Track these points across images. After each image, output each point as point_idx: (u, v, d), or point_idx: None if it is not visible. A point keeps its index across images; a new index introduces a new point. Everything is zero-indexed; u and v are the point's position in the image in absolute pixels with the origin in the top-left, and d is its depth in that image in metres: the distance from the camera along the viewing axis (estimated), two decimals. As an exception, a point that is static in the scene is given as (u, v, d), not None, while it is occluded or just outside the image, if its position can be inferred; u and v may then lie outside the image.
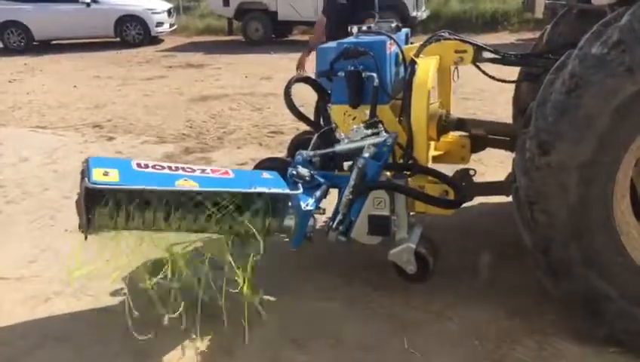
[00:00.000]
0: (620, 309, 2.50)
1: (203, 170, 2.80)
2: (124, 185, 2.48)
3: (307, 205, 2.87)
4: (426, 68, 3.13)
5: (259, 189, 2.70)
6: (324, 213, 3.08)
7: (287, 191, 2.80)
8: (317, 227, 3.02)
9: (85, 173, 2.49)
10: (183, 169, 2.75)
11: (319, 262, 3.48)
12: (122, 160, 2.73)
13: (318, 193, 2.98)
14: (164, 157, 5.95)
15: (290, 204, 2.80)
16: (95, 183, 2.42)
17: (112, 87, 10.17)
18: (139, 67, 12.55)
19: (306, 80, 3.56)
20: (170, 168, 2.73)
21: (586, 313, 2.60)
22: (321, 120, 3.58)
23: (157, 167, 2.72)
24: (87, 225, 2.53)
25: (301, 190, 2.86)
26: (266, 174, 2.95)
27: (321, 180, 3.05)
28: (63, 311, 3.16)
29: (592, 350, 2.64)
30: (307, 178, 2.98)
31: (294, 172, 2.97)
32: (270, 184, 2.79)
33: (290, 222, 2.84)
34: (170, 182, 2.59)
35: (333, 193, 3.12)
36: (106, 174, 2.48)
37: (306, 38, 16.71)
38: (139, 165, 2.68)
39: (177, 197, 2.60)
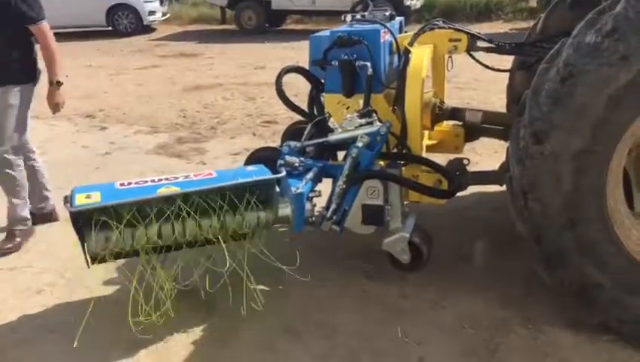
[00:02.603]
0: (613, 298, 2.51)
1: (186, 176, 2.83)
2: (105, 203, 2.54)
3: (298, 188, 2.86)
4: (420, 57, 3.12)
5: (238, 181, 2.71)
6: (320, 195, 3.07)
7: (267, 176, 2.80)
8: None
9: (69, 199, 2.57)
10: (166, 179, 2.78)
11: (313, 252, 3.47)
12: (106, 183, 2.82)
13: (308, 175, 2.97)
14: (157, 147, 5.92)
15: (278, 190, 2.80)
16: (77, 206, 2.50)
17: (105, 77, 10.10)
18: (131, 56, 12.47)
19: (298, 70, 3.54)
20: (153, 181, 2.77)
21: (580, 301, 2.61)
22: (315, 109, 3.56)
23: (140, 182, 2.76)
24: (85, 254, 2.60)
25: (284, 173, 2.85)
26: (250, 168, 2.95)
27: (312, 164, 3.04)
28: (56, 302, 3.14)
29: (586, 338, 2.66)
30: (297, 165, 2.97)
31: (282, 162, 2.96)
32: (253, 175, 2.79)
33: (285, 210, 2.84)
34: (152, 192, 2.64)
35: (328, 184, 3.11)
36: (88, 197, 2.57)
37: (299, 27, 16.67)
38: (122, 184, 2.74)
39: (163, 205, 2.62)
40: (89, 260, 2.63)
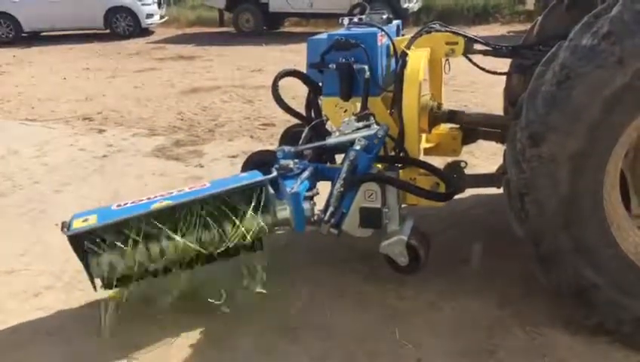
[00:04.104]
0: (609, 299, 2.52)
1: (180, 190, 2.86)
2: (101, 223, 2.58)
3: (293, 188, 2.86)
4: (417, 60, 3.13)
5: (228, 188, 2.72)
6: (318, 194, 3.07)
7: (257, 178, 2.80)
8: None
9: (66, 224, 2.63)
10: (161, 195, 2.82)
11: (310, 254, 3.48)
12: (103, 207, 2.86)
13: (303, 175, 2.97)
14: (155, 150, 5.92)
15: (273, 193, 2.81)
16: (74, 230, 2.55)
17: (102, 79, 10.10)
18: (129, 59, 12.47)
19: (294, 74, 3.54)
20: (148, 198, 2.81)
21: (577, 303, 2.62)
22: (312, 113, 3.57)
23: (136, 201, 2.81)
24: (91, 278, 2.66)
25: (274, 174, 2.85)
26: (243, 175, 2.98)
27: (307, 164, 3.05)
28: (54, 305, 3.14)
29: (583, 339, 2.66)
30: (292, 167, 2.97)
31: (277, 166, 2.97)
32: (244, 181, 2.81)
33: (284, 213, 2.84)
34: (147, 208, 2.67)
35: (327, 185, 3.12)
36: (85, 221, 2.62)
37: (297, 30, 16.69)
38: (118, 205, 2.78)
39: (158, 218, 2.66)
40: (95, 284, 2.67)
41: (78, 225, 2.59)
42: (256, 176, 2.86)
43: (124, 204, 2.78)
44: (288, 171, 2.97)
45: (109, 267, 2.62)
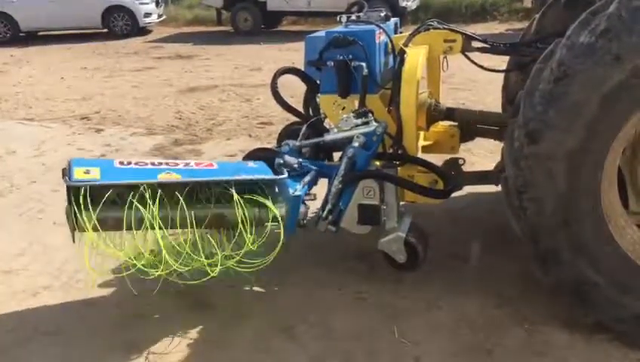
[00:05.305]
0: (608, 297, 2.52)
1: (187, 164, 2.80)
2: (105, 181, 2.50)
3: (295, 191, 2.86)
4: (416, 57, 3.13)
5: (242, 177, 2.70)
6: (314, 199, 3.07)
7: (271, 176, 2.79)
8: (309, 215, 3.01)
9: (67, 172, 2.52)
10: (166, 163, 2.76)
11: (308, 252, 3.48)
12: (104, 160, 2.76)
13: (306, 179, 2.96)
14: (154, 149, 5.92)
15: (276, 190, 2.79)
16: (76, 181, 2.45)
17: (100, 79, 10.09)
18: (127, 58, 12.46)
19: (293, 71, 3.54)
20: (153, 163, 2.74)
21: (575, 301, 2.62)
22: (310, 110, 3.57)
23: (140, 163, 2.73)
24: (75, 228, 2.53)
25: (286, 175, 2.85)
26: (251, 163, 2.95)
27: (311, 167, 3.04)
28: (52, 304, 3.14)
29: (581, 337, 2.66)
30: (295, 166, 2.97)
31: (281, 161, 2.96)
32: (255, 172, 2.79)
33: (280, 211, 2.83)
34: (153, 176, 2.60)
35: (324, 184, 3.11)
36: (87, 172, 2.52)
37: (295, 28, 16.68)
38: (121, 163, 2.70)
39: (162, 190, 2.58)
40: (74, 233, 2.54)
41: (79, 175, 2.49)
42: (264, 167, 2.84)
43: (127, 163, 2.70)
44: (292, 170, 2.96)
45: (100, 220, 2.55)
